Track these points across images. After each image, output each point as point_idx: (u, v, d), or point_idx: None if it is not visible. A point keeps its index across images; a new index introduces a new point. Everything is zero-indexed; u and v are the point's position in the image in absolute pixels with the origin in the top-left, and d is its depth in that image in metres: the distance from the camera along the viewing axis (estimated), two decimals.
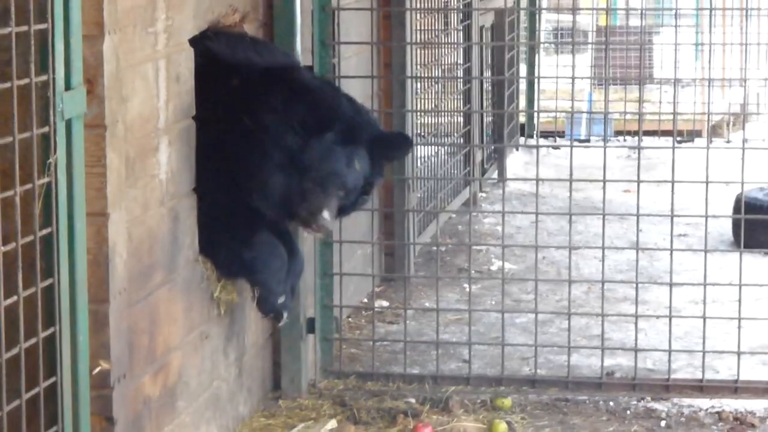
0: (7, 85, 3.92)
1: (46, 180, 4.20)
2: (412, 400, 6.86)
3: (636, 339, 7.39)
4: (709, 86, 10.39)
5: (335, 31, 7.14)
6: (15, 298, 4.01)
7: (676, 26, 13.14)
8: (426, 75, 9.13)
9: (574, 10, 13.82)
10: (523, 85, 12.97)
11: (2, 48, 4.00)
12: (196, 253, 5.91)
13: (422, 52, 8.89)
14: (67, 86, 4.23)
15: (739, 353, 7.00)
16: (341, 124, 6.06)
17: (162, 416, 5.49)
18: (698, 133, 12.26)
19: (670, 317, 7.37)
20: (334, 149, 5.99)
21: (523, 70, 13.15)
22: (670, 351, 7.21)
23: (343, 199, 6.29)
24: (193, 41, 5.73)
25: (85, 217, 4.50)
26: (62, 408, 4.32)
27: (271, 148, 5.84)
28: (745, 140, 8.89)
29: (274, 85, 5.95)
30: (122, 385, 4.88)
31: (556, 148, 12.01)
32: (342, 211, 6.43)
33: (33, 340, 4.17)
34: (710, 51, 10.32)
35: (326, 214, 6.09)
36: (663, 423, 6.83)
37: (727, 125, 13.41)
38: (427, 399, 6.91)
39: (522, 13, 12.53)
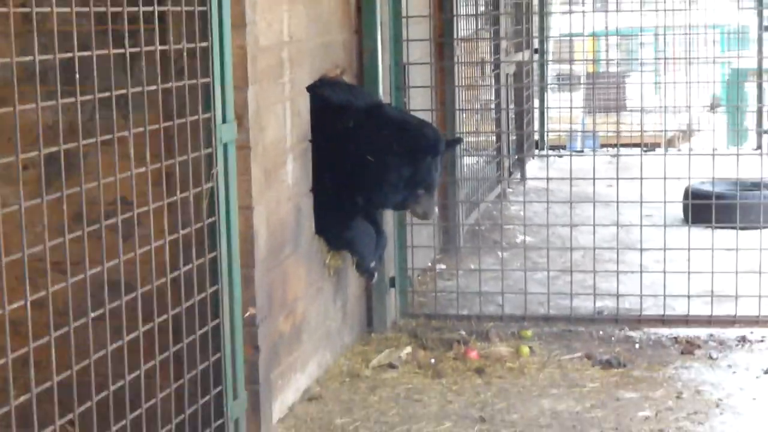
0: (183, 120, 4.16)
1: (210, 185, 4.36)
2: (463, 332, 6.83)
3: (617, 288, 7.20)
4: (664, 112, 10.39)
5: (406, 78, 7.00)
6: (190, 265, 4.26)
7: (641, 71, 13.16)
8: (468, 108, 9.18)
9: (571, 61, 13.54)
10: (536, 114, 12.81)
11: (180, 95, 4.17)
12: (313, 233, 5.97)
13: (466, 92, 8.89)
14: (224, 120, 4.42)
15: (689, 296, 6.93)
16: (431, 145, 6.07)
17: (291, 345, 5.68)
18: (658, 145, 12.10)
19: (641, 272, 7.25)
20: (432, 164, 6.09)
21: (536, 103, 12.97)
22: (641, 296, 7.06)
23: None
24: (309, 88, 5.71)
25: (237, 210, 4.61)
26: (224, 340, 4.49)
27: (389, 174, 5.93)
28: (690, 149, 8.80)
29: (380, 123, 6.09)
30: (264, 324, 5.01)
31: (560, 156, 11.86)
32: None
33: (203, 294, 4.37)
34: (665, 87, 10.58)
35: (435, 210, 6.39)
36: (637, 345, 6.66)
37: (678, 139, 13.27)
38: (473, 332, 6.82)
39: (535, 64, 12.40)
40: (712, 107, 14.78)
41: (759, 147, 12.63)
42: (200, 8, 4.22)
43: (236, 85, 4.57)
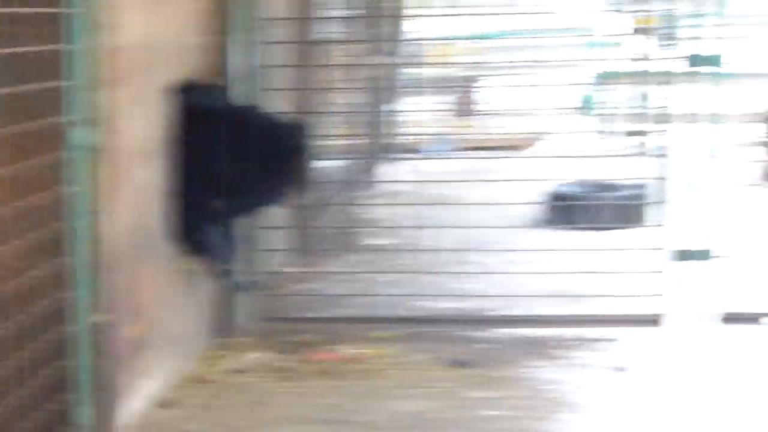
0: (36, 123, 4.00)
1: (62, 189, 4.27)
2: (314, 335, 6.78)
3: (468, 289, 7.39)
4: (523, 115, 10.64)
5: (268, 82, 6.99)
6: (41, 271, 4.12)
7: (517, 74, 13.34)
8: (327, 111, 9.09)
9: (426, 65, 13.58)
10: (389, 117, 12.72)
11: (34, 98, 3.99)
12: (167, 238, 5.88)
13: (323, 96, 8.80)
14: (77, 124, 4.30)
15: (535, 297, 7.07)
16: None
17: (142, 351, 5.53)
18: (517, 148, 12.12)
19: (490, 273, 7.26)
20: (296, 166, 6.30)
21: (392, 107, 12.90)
22: (490, 297, 7.14)
23: None
24: (170, 91, 5.78)
25: (89, 214, 4.47)
26: (72, 347, 4.42)
27: (253, 178, 6.06)
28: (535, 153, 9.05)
29: (245, 127, 6.08)
30: (114, 330, 4.85)
31: (411, 159, 11.86)
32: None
33: (53, 300, 4.27)
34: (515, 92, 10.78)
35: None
36: (485, 345, 6.65)
37: (530, 142, 13.38)
38: (324, 334, 6.82)
39: (391, 68, 12.34)
40: (564, 111, 15.11)
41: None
42: (54, 10, 4.13)
43: (91, 88, 4.46)
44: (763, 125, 11.66)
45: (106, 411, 4.84)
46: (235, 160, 5.93)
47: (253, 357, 6.43)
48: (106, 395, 4.83)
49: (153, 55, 5.56)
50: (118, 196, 5.05)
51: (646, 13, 11.00)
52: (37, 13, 4.05)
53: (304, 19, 8.37)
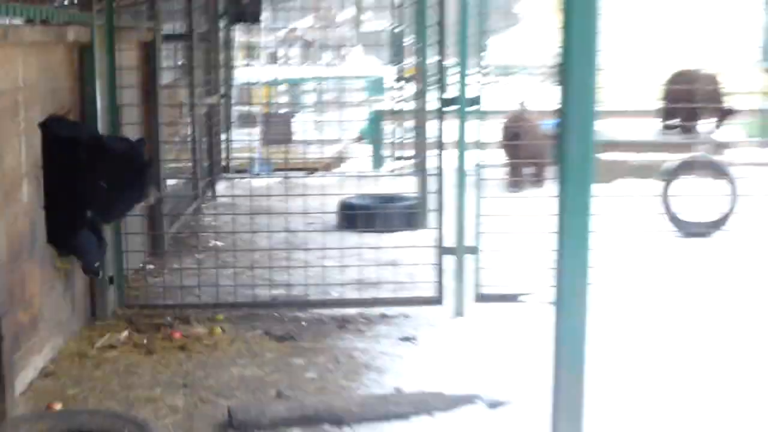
0: None
1: None
2: (169, 318, 6.70)
3: (288, 279, 7.28)
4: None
5: (119, 117, 6.82)
6: None
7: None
8: (170, 141, 8.91)
9: (251, 103, 13.55)
10: (224, 145, 12.56)
11: None
12: (45, 242, 5.73)
13: (168, 128, 8.57)
14: None
15: (342, 285, 7.16)
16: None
17: (29, 333, 5.52)
18: (317, 169, 12.07)
19: (305, 267, 7.37)
20: (143, 181, 6.17)
21: (224, 136, 12.75)
22: (306, 285, 7.09)
23: None
24: (41, 124, 5.57)
25: None
26: None
27: (111, 193, 5.91)
28: (343, 171, 9.10)
29: (100, 153, 5.86)
30: (6, 317, 4.80)
31: (242, 178, 11.80)
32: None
33: None
34: (320, 126, 10.87)
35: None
36: (304, 323, 6.67)
37: (333, 165, 13.38)
38: (177, 317, 6.71)
39: (222, 106, 12.17)
40: (359, 140, 15.26)
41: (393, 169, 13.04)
42: None
43: None
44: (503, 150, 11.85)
45: (1, 382, 4.71)
46: (96, 178, 5.78)
47: (121, 336, 6.28)
48: (1, 369, 4.70)
49: (29, 96, 5.47)
50: (4, 209, 4.99)
51: (416, 65, 11.03)
52: None
53: (151, 67, 8.22)
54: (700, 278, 7.52)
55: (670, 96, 12.65)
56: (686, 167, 9.50)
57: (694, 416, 4.91)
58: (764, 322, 6.41)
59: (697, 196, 9.06)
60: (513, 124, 11.73)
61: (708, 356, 5.80)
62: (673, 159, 9.95)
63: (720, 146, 12.18)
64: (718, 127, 12.63)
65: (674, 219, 9.27)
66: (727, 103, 12.34)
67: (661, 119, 13.11)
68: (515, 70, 17.86)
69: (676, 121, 12.52)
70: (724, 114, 12.41)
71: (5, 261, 4.92)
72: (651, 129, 13.33)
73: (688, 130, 12.40)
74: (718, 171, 9.47)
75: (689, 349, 5.93)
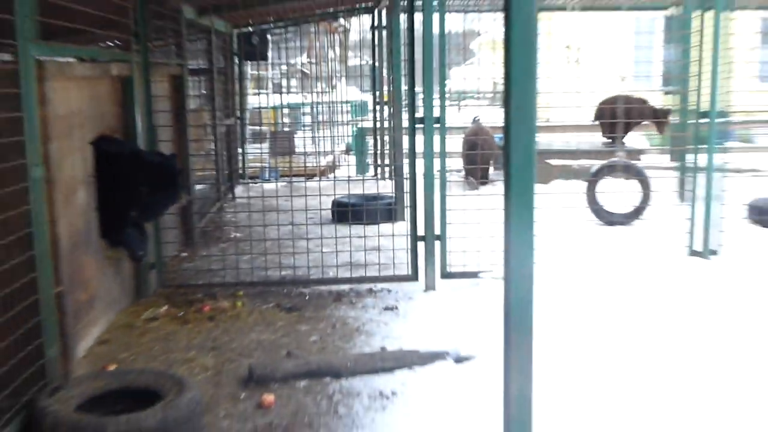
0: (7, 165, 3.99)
1: (27, 207, 4.19)
2: (200, 295, 6.70)
3: (294, 262, 7.35)
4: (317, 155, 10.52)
5: (156, 135, 6.80)
6: (17, 260, 4.10)
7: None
8: (197, 154, 8.85)
9: (261, 123, 13.43)
10: (240, 157, 12.48)
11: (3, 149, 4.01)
12: (98, 236, 5.72)
13: (195, 144, 8.49)
14: (36, 164, 4.25)
15: (337, 266, 7.14)
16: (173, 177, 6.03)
17: (87, 309, 5.56)
18: (315, 174, 11.95)
19: (307, 252, 7.29)
20: (176, 189, 6.08)
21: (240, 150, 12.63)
22: (308, 267, 7.11)
23: None
24: (92, 142, 5.61)
25: (47, 222, 4.45)
26: (41, 309, 4.29)
27: (150, 197, 5.87)
28: (335, 177, 9.00)
29: (141, 164, 5.83)
30: (68, 296, 4.87)
31: (255, 183, 11.68)
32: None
33: (27, 279, 4.19)
34: (316, 141, 10.73)
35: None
36: (307, 297, 6.65)
37: (327, 171, 13.28)
38: (206, 294, 6.73)
39: (238, 126, 12.13)
40: (347, 151, 15.25)
41: (375, 174, 13.01)
42: (15, 90, 4.09)
43: (43, 141, 4.44)
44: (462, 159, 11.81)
45: (66, 348, 4.77)
46: (137, 185, 5.77)
47: (161, 310, 6.28)
48: (65, 338, 4.76)
49: (82, 120, 5.45)
50: (66, 210, 5.09)
51: (390, 91, 10.97)
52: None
53: (180, 95, 8.16)
54: (620, 258, 7.56)
55: (607, 114, 12.44)
56: (608, 169, 9.59)
57: (611, 363, 4.97)
58: (663, 288, 6.50)
59: (616, 192, 9.11)
60: (471, 137, 11.80)
61: (621, 311, 5.87)
62: (597, 163, 10.02)
63: (634, 153, 12.29)
64: (661, 133, 12.47)
65: (598, 211, 9.31)
66: (661, 114, 12.13)
67: (602, 132, 12.97)
68: (470, 95, 17.96)
69: (613, 134, 12.34)
70: (660, 124, 12.23)
71: (66, 252, 4.94)
72: (584, 140, 13.33)
73: (616, 140, 12.36)
74: (633, 172, 9.55)
75: (612, 310, 5.99)
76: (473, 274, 6.99)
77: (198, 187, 9.26)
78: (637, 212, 9.23)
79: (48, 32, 4.73)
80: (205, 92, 10.08)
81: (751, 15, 9.16)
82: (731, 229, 7.92)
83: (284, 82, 16.37)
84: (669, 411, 4.36)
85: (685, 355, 5.13)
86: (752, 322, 5.72)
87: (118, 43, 6.60)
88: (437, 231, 7.00)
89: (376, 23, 11.96)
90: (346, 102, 15.45)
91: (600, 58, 8.85)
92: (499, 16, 12.96)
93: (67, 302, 4.82)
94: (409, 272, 7.03)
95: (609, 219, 9.21)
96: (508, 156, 3.28)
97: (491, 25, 18.11)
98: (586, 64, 8.38)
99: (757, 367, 4.93)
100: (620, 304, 6.19)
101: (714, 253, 7.44)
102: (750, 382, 4.72)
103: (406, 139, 7.89)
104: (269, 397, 4.60)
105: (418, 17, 6.77)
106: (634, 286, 6.65)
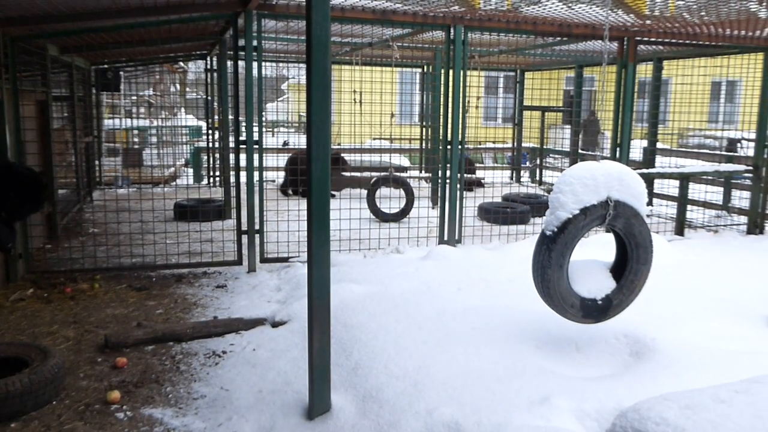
0: None
1: None
2: (62, 279, 6.23)
3: (143, 251, 6.96)
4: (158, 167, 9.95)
5: (24, 150, 6.17)
6: None
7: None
8: (61, 164, 8.16)
9: (115, 141, 12.57)
10: (97, 167, 11.58)
11: None
12: None
13: (58, 157, 7.82)
14: None
15: (178, 254, 6.91)
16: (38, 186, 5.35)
17: None
18: (160, 182, 11.34)
19: (154, 243, 6.93)
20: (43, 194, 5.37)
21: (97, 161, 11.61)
22: (154, 255, 6.88)
23: None
24: None
25: None
26: None
27: (18, 202, 5.07)
28: (176, 184, 8.57)
29: (10, 174, 5.11)
30: None
31: (110, 189, 10.92)
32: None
33: None
34: (161, 156, 10.16)
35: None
36: (154, 279, 6.24)
37: (170, 180, 12.67)
38: (68, 278, 6.17)
39: (95, 143, 11.30)
40: (186, 165, 14.71)
41: (208, 183, 12.53)
42: None
43: None
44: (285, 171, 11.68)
45: None
46: (7, 191, 5.27)
47: (28, 292, 5.74)
48: None
49: None
50: None
51: (220, 119, 10.71)
52: None
53: (45, 117, 7.44)
54: (391, 242, 7.68)
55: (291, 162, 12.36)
56: (383, 180, 9.86)
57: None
58: (424, 263, 6.78)
59: (389, 197, 9.40)
60: (294, 155, 11.76)
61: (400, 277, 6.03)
62: (375, 175, 10.30)
63: (401, 169, 12.70)
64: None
65: (376, 211, 9.49)
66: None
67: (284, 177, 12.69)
68: (281, 124, 17.93)
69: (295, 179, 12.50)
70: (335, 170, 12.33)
71: None
72: (366, 158, 13.48)
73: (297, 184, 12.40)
74: (401, 183, 9.86)
75: (393, 276, 6.11)
76: (285, 259, 6.93)
77: (61, 191, 8.59)
78: (403, 212, 9.50)
79: None
80: (67, 115, 9.33)
81: (479, 74, 9.83)
82: (469, 225, 8.39)
83: (134, 109, 15.58)
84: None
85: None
86: (480, 278, 5.88)
87: None
88: (257, 226, 6.94)
89: (209, 66, 11.78)
90: (185, 126, 14.98)
91: (375, 100, 9.13)
92: (303, 66, 13.00)
93: None
94: (236, 258, 6.87)
95: (384, 217, 9.46)
96: (310, 169, 3.31)
97: (297, 72, 18.26)
98: (366, 104, 8.59)
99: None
100: (400, 272, 6.17)
101: (459, 241, 7.76)
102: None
103: (232, 156, 7.76)
104: (122, 360, 4.36)
105: (242, 63, 6.67)
106: (405, 262, 6.74)
